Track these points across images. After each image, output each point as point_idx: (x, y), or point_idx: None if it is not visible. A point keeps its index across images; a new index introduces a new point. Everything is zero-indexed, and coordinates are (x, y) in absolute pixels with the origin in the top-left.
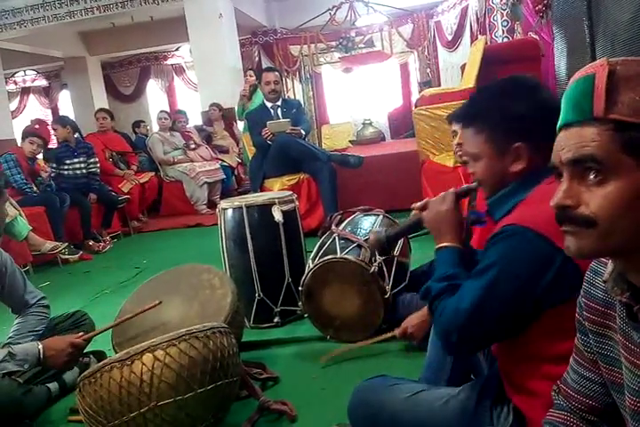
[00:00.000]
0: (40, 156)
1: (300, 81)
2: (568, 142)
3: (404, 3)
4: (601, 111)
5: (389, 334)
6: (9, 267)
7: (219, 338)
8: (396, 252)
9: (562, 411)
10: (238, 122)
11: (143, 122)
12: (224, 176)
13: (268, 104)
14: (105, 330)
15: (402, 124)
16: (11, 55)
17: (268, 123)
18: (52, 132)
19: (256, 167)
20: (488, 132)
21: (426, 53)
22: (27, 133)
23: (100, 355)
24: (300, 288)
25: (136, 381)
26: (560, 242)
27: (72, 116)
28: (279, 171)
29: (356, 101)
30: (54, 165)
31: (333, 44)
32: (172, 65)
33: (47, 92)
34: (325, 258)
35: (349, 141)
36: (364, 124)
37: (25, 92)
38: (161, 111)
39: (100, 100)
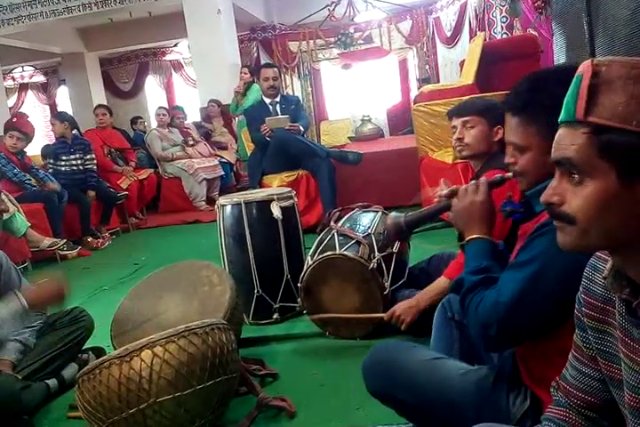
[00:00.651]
0: (27, 149)
1: (299, 77)
2: (557, 142)
3: None
4: (581, 114)
5: (378, 315)
6: (4, 264)
7: (218, 334)
8: (395, 249)
9: (561, 407)
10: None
11: (141, 118)
12: (223, 173)
13: (267, 100)
14: None
15: (401, 121)
16: (8, 51)
17: (266, 119)
18: (31, 123)
19: (255, 164)
20: (539, 125)
21: (425, 50)
22: (5, 128)
23: (98, 351)
24: (298, 284)
25: (135, 377)
26: None
27: (70, 113)
28: (278, 167)
29: (355, 98)
30: (51, 161)
31: (332, 40)
32: (170, 61)
33: (45, 88)
34: (324, 254)
35: (348, 138)
36: (362, 120)
37: (23, 88)
38: (159, 107)
39: (99, 96)
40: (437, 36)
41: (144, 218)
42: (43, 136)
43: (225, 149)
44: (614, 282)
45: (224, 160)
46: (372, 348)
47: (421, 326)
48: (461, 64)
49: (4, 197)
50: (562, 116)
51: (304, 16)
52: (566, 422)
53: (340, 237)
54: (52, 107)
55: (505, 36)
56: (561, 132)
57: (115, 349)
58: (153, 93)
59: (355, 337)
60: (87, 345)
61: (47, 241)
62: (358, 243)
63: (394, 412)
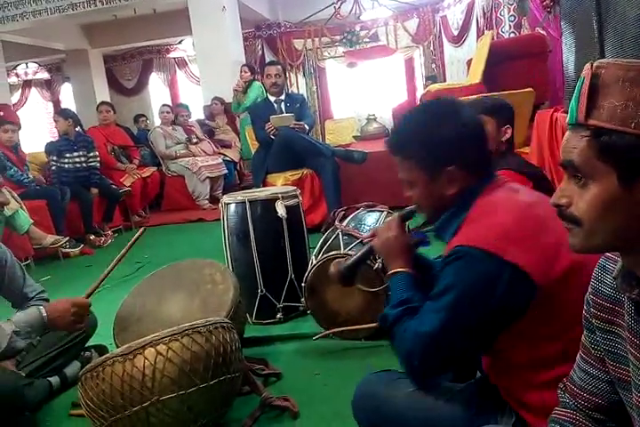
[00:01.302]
0: (28, 149)
1: (304, 75)
2: (564, 145)
3: None
4: (582, 117)
5: (372, 325)
6: (9, 260)
7: (221, 333)
8: None
9: (568, 409)
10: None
11: (144, 116)
12: (226, 171)
13: (272, 98)
14: (102, 280)
15: None
16: (12, 47)
17: (271, 117)
18: (15, 112)
19: (259, 162)
20: (416, 160)
21: (431, 48)
22: None
23: (101, 349)
24: (302, 284)
25: (138, 375)
26: (507, 255)
27: (74, 110)
28: (282, 166)
29: (361, 96)
30: (55, 158)
31: (338, 38)
32: (174, 58)
33: (49, 85)
34: (329, 254)
35: (353, 137)
36: (368, 119)
37: (26, 84)
38: (163, 105)
39: (102, 93)
40: (444, 34)
41: (147, 216)
42: (46, 133)
43: (228, 147)
44: (624, 282)
45: (228, 158)
46: (360, 381)
47: None
48: (468, 63)
49: (5, 191)
50: (568, 120)
51: (309, 14)
52: (573, 424)
53: (345, 237)
54: (56, 104)
55: (513, 35)
56: (567, 134)
57: (117, 347)
58: (157, 91)
59: (359, 338)
60: (89, 343)
61: (50, 239)
62: (363, 243)
63: None
